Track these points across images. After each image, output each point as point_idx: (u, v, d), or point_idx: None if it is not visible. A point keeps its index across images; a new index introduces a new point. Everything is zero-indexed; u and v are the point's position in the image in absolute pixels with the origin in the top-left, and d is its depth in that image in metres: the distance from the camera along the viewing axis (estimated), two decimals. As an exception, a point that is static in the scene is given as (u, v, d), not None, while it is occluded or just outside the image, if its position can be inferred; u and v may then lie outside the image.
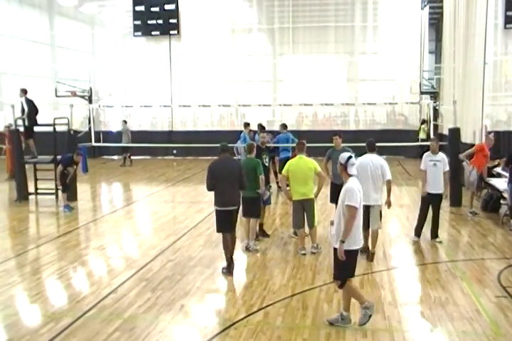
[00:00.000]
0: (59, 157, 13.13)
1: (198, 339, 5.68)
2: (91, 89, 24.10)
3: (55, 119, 14.02)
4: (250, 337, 5.56)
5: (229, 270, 7.62)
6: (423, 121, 21.63)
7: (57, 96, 23.56)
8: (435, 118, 20.28)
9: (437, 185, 9.00)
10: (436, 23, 27.22)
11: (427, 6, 22.57)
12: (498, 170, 12.20)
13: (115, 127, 25.04)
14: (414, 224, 9.48)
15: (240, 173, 7.65)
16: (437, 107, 21.47)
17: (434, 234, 9.16)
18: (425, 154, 9.25)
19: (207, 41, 24.82)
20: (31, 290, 7.06)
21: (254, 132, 14.79)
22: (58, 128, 14.13)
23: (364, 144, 8.48)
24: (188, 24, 24.15)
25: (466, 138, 13.85)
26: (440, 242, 9.02)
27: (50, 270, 7.92)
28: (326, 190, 9.44)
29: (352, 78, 26.09)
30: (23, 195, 13.42)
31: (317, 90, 23.91)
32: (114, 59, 26.98)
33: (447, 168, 9.15)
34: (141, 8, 23.68)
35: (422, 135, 21.14)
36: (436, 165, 9.02)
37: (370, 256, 8.11)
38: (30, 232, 10.91)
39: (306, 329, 5.78)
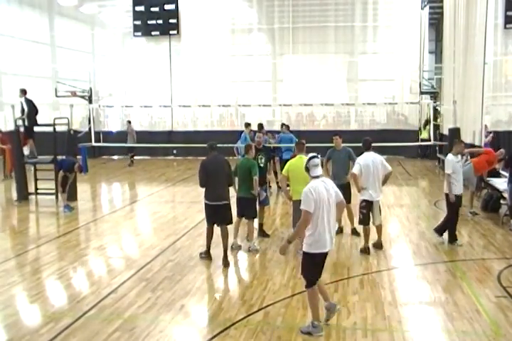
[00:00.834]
0: (59, 157, 13.15)
1: (198, 339, 5.68)
2: (91, 89, 24.09)
3: (55, 119, 14.03)
4: (250, 337, 5.56)
5: (225, 264, 7.93)
6: (426, 122, 21.52)
7: (57, 96, 23.56)
8: (435, 118, 20.28)
9: (461, 186, 9.09)
10: (436, 23, 27.22)
11: (427, 6, 22.55)
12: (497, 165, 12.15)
13: (115, 127, 25.06)
14: (419, 224, 9.53)
15: (227, 170, 8.12)
16: (437, 107, 21.46)
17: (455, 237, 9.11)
18: (451, 158, 8.98)
19: (207, 41, 24.81)
20: (31, 290, 7.06)
21: (255, 132, 14.80)
22: (58, 128, 14.12)
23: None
24: (188, 24, 24.12)
25: (466, 138, 13.86)
26: (461, 245, 8.91)
27: (50, 270, 7.92)
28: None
29: (352, 78, 26.10)
30: (23, 195, 13.42)
31: (317, 90, 23.91)
32: (114, 59, 27.01)
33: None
34: (141, 8, 23.67)
35: (425, 135, 20.99)
36: (461, 167, 9.19)
37: (380, 245, 8.64)
38: (30, 232, 10.91)
39: (306, 329, 5.78)
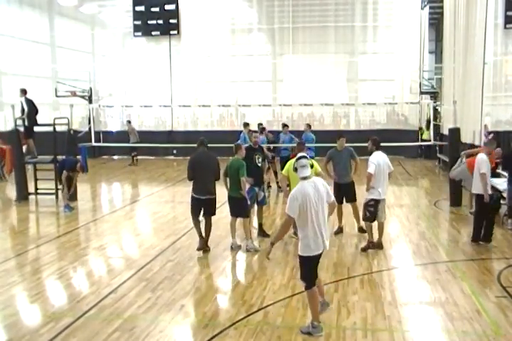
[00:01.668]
0: (59, 157, 13.15)
1: (198, 339, 5.67)
2: (91, 89, 24.11)
3: (55, 119, 14.03)
4: (250, 337, 5.56)
5: (199, 247, 8.53)
6: (428, 122, 21.39)
7: (57, 96, 23.57)
8: (435, 118, 20.28)
9: None
10: (436, 23, 27.23)
11: (427, 6, 22.56)
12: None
13: (115, 127, 25.05)
14: (419, 224, 9.57)
15: (214, 166, 8.50)
16: (437, 107, 21.45)
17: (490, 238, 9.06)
18: (483, 158, 8.99)
19: (207, 41, 24.83)
20: (31, 290, 7.06)
21: (254, 132, 14.82)
22: (58, 128, 14.13)
23: (365, 144, 8.83)
24: (188, 24, 24.13)
25: (466, 138, 13.85)
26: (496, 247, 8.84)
27: (50, 270, 7.92)
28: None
29: (352, 78, 26.08)
30: (23, 195, 13.42)
31: (317, 90, 23.91)
32: (114, 59, 26.99)
33: None
34: (141, 8, 23.67)
35: (427, 136, 20.86)
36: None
37: (380, 245, 8.69)
38: (30, 232, 10.91)
39: (306, 329, 5.77)
